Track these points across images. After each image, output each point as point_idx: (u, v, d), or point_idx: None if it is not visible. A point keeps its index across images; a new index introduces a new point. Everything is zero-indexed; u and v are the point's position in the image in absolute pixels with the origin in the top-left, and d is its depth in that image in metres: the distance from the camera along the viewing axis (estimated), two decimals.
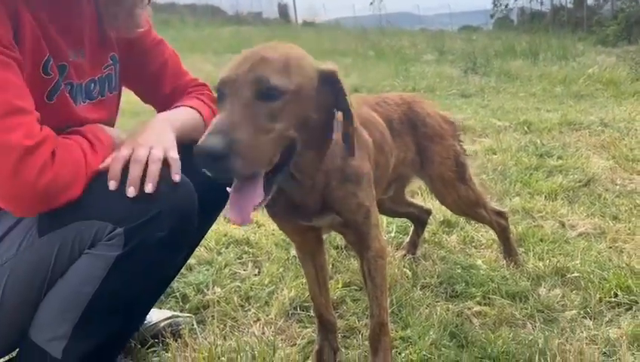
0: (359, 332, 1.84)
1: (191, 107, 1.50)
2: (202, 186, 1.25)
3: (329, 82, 1.21)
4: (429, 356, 1.65)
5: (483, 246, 2.46)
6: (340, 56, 11.87)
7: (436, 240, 2.50)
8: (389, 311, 1.92)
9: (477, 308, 1.94)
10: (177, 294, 2.01)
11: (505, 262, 2.23)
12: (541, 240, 2.47)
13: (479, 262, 2.26)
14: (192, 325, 1.80)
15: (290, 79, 1.14)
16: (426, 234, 2.52)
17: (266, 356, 1.64)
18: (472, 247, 2.46)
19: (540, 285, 2.11)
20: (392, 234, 2.52)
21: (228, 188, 1.12)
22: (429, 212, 2.39)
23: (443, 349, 1.68)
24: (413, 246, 2.37)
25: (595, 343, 1.78)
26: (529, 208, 2.83)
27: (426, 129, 1.90)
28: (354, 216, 1.44)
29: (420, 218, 2.36)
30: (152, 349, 1.71)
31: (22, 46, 1.17)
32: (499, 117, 5.05)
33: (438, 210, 2.74)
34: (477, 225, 2.66)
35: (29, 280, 1.15)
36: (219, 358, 1.63)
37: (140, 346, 1.70)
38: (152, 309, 1.82)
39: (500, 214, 2.21)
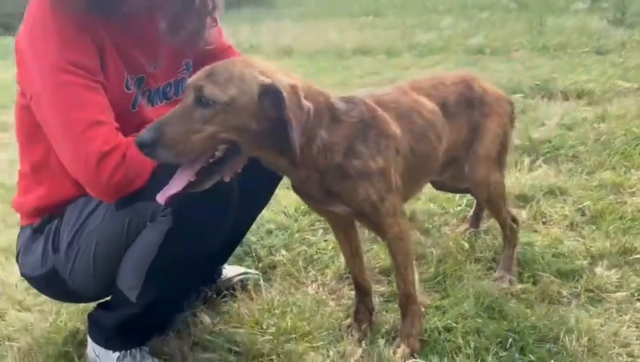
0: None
1: None
2: (253, 172, 1.50)
3: (272, 96, 1.34)
4: (454, 325, 1.80)
5: (552, 222, 2.46)
6: (479, 10, 11.38)
7: None
8: (435, 280, 2.10)
9: (520, 286, 2.01)
10: (254, 254, 2.36)
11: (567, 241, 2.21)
12: (620, 218, 2.40)
13: (537, 238, 2.29)
14: (259, 281, 2.13)
15: (225, 92, 1.31)
16: None
17: (312, 312, 1.92)
18: (541, 223, 2.47)
19: (598, 264, 2.10)
20: (460, 208, 2.61)
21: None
22: None
23: (469, 319, 1.82)
24: (476, 219, 2.45)
25: (638, 327, 1.79)
26: (619, 183, 2.72)
27: (484, 106, 1.96)
28: (361, 208, 1.60)
29: None
30: (224, 299, 2.07)
31: (106, 72, 1.51)
32: (628, 78, 4.64)
33: (515, 184, 2.76)
34: (553, 199, 2.65)
35: (111, 243, 1.52)
36: (273, 310, 1.95)
37: (215, 295, 2.08)
38: (228, 266, 2.21)
39: (514, 219, 2.17)
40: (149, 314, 1.63)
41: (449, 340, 1.75)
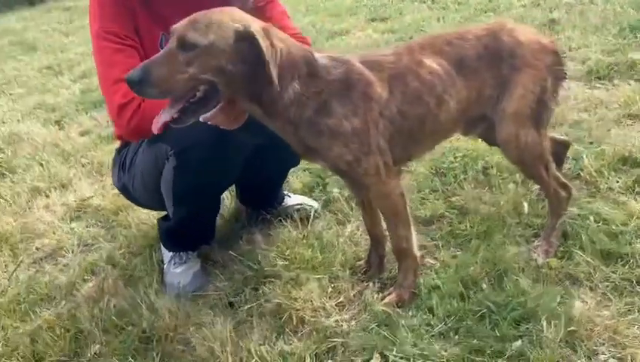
0: (424, 246, 2.09)
1: None
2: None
3: (246, 40, 1.48)
4: (438, 284, 1.83)
5: None
6: None
7: (594, 179, 2.26)
8: (466, 237, 2.09)
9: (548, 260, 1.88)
10: (322, 187, 2.61)
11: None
12: None
13: (610, 211, 2.03)
14: (310, 213, 2.39)
15: (206, 37, 1.47)
16: (588, 170, 2.30)
17: (331, 248, 2.13)
18: (632, 195, 2.14)
19: None
20: None
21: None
22: (566, 144, 2.19)
23: (459, 284, 1.81)
24: None
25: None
26: None
27: (515, 59, 1.80)
28: (337, 166, 1.71)
29: (552, 151, 2.18)
30: (280, 223, 2.40)
31: (140, 33, 1.87)
32: None
33: (622, 143, 2.40)
34: None
35: (149, 170, 1.94)
36: (304, 240, 2.21)
37: (272, 219, 2.42)
38: (293, 195, 2.52)
39: (565, 186, 1.92)
40: (187, 227, 2.07)
41: (430, 299, 1.81)
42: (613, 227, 1.95)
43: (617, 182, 2.22)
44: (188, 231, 2.10)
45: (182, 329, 1.88)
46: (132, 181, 2.06)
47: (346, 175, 1.77)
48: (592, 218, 2.00)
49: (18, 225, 2.80)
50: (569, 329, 1.60)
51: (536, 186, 2.28)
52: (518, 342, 1.59)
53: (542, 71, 1.81)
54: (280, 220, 2.40)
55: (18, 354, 1.89)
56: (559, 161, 2.22)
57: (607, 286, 1.76)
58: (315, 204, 2.46)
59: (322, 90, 1.65)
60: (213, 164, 1.82)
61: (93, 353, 1.88)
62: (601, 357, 1.53)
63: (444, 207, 2.28)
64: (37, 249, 2.60)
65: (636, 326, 1.60)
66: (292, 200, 2.48)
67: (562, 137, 2.23)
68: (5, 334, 2.01)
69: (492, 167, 2.48)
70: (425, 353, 1.59)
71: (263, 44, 1.49)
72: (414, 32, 4.85)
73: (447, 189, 2.40)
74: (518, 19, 4.56)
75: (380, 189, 1.76)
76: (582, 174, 2.30)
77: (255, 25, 1.54)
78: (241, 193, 2.45)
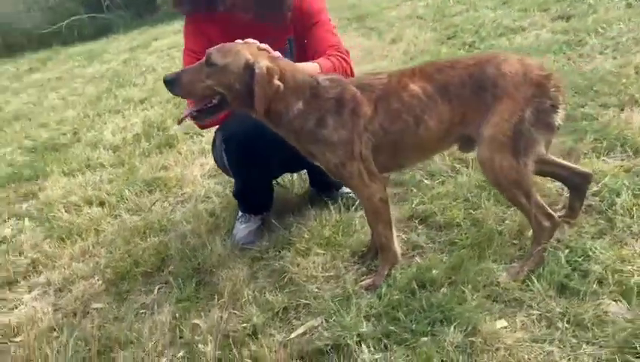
0: (421, 247, 2.37)
1: (317, 62, 2.33)
2: None
3: (250, 68, 1.95)
4: (397, 277, 2.13)
5: None
6: None
7: (615, 216, 2.19)
8: (457, 245, 2.32)
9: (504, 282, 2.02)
10: None
11: None
12: None
13: (596, 246, 2.02)
14: (355, 201, 2.80)
15: (224, 60, 1.96)
16: (616, 206, 2.23)
17: (352, 232, 2.55)
18: None
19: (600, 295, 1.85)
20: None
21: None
22: (586, 177, 2.18)
23: (412, 282, 2.09)
24: (571, 210, 2.24)
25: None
26: None
27: (496, 89, 1.96)
28: (328, 168, 2.12)
29: (570, 181, 2.21)
30: (328, 205, 2.83)
31: None
32: None
33: None
34: None
35: (218, 150, 2.60)
36: (338, 221, 2.66)
37: (327, 201, 2.90)
38: None
39: (549, 217, 1.95)
40: (244, 195, 2.75)
41: (382, 288, 2.13)
42: (585, 265, 1.97)
43: (638, 224, 2.13)
44: (246, 198, 2.77)
45: (220, 268, 2.56)
46: (215, 155, 2.79)
47: (337, 177, 2.18)
48: (566, 251, 2.03)
49: (179, 174, 3.81)
50: (469, 339, 1.80)
51: (559, 214, 2.32)
52: (426, 338, 1.86)
53: (520, 102, 1.93)
54: (331, 203, 2.87)
55: (131, 259, 2.81)
56: (580, 194, 2.23)
57: (541, 314, 1.86)
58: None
59: (321, 107, 2.08)
60: (248, 150, 2.42)
61: (168, 271, 2.70)
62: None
63: (461, 217, 2.48)
64: (181, 194, 3.56)
65: (533, 354, 1.72)
66: (347, 188, 2.93)
67: (583, 169, 2.21)
68: (131, 246, 2.96)
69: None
70: (348, 325, 1.97)
71: (259, 78, 1.95)
72: (587, 34, 4.57)
73: (475, 202, 2.57)
74: None
75: (362, 191, 2.14)
76: (608, 210, 2.24)
77: (262, 62, 1.98)
78: (309, 178, 3.00)
